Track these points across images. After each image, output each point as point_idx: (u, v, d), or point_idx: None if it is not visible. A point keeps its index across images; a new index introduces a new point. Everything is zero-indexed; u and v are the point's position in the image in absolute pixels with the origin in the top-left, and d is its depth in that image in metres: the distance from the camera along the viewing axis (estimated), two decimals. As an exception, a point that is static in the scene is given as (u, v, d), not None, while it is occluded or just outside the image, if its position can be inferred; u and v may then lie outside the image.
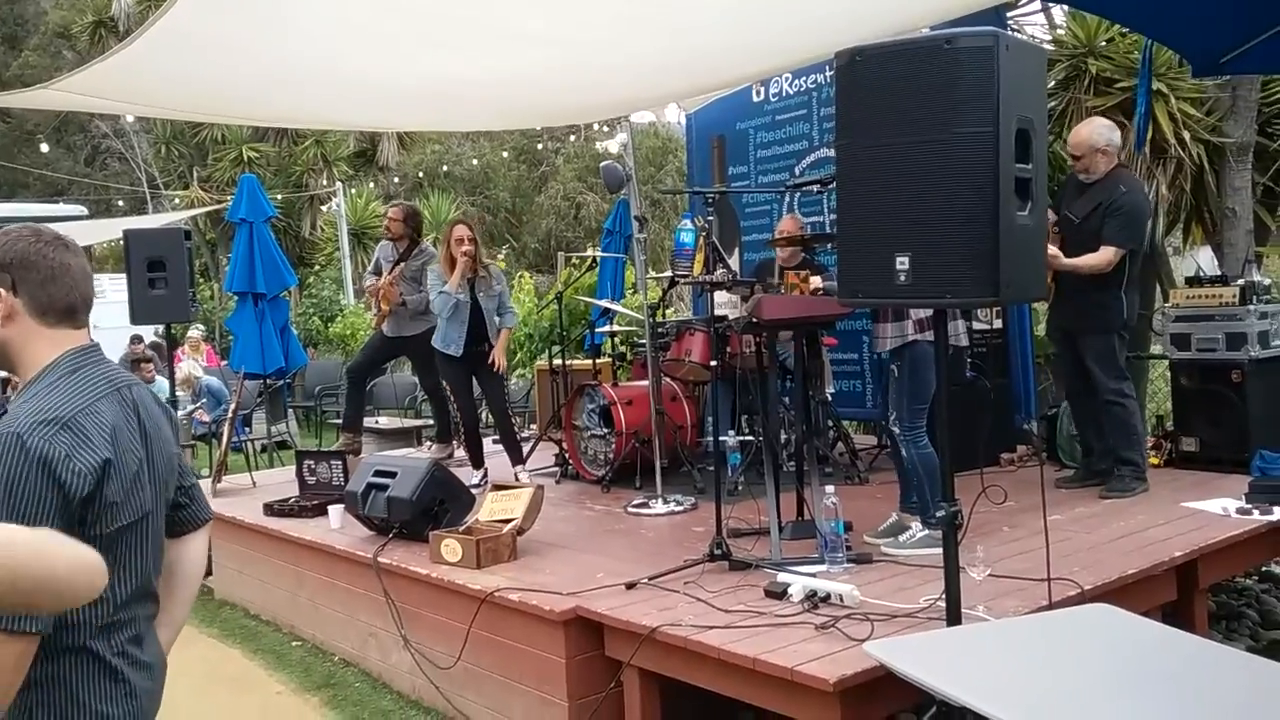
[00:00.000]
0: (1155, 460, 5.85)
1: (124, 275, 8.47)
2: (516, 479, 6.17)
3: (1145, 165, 6.48)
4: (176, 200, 18.99)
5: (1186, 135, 6.40)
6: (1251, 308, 5.60)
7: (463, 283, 6.22)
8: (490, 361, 6.37)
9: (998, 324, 6.26)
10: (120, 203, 23.29)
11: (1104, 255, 5.00)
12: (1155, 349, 7.16)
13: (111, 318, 14.31)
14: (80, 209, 19.07)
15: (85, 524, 1.88)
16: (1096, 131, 5.15)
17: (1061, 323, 5.44)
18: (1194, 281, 6.05)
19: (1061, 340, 5.49)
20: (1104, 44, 6.79)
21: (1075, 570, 3.81)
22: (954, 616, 3.03)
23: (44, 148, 25.02)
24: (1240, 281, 5.79)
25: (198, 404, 11.05)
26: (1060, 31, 7.42)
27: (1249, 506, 4.64)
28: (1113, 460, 5.27)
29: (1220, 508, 4.71)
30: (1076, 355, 5.33)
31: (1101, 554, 4.13)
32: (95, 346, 2.03)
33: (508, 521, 4.73)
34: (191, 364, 11.97)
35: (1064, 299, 5.30)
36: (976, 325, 5.93)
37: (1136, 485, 5.17)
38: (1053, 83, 6.84)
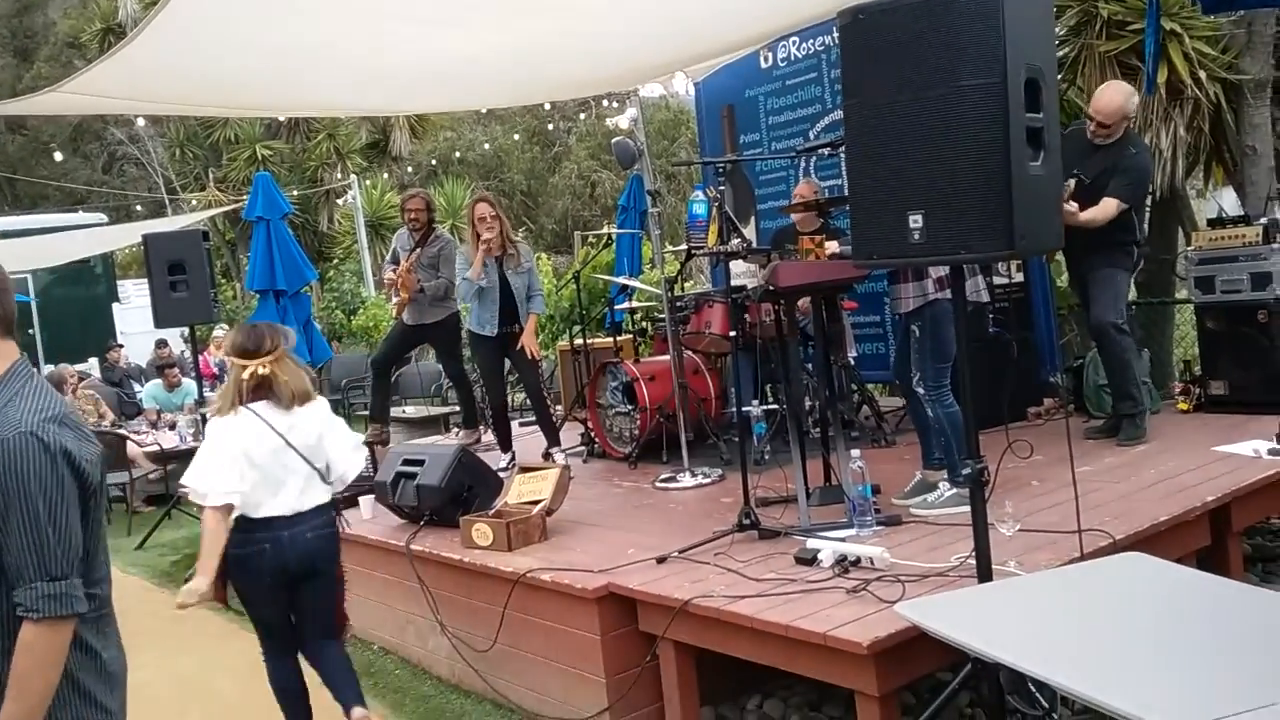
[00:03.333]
0: (1184, 405, 5.80)
1: (146, 280, 8.56)
2: (552, 459, 6.19)
3: (1161, 107, 6.38)
4: (194, 202, 19.10)
5: (1203, 74, 6.29)
6: (1276, 246, 5.51)
7: (487, 263, 6.20)
8: (521, 346, 6.37)
9: (1019, 277, 6.20)
10: (139, 208, 23.45)
11: (1105, 208, 5.02)
12: (1180, 294, 7.08)
13: (137, 323, 14.43)
14: (101, 217, 19.22)
15: (90, 513, 2.00)
16: (1129, 100, 5.14)
17: (1078, 270, 5.45)
18: (1216, 223, 5.96)
19: (1081, 291, 5.45)
20: (1114, -14, 6.67)
21: (1106, 520, 3.79)
22: (985, 573, 3.02)
23: (58, 157, 25.20)
24: (1263, 220, 5.71)
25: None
26: (1069, -24, 7.29)
27: (1280, 447, 4.59)
28: (1117, 400, 5.30)
29: (1251, 450, 4.65)
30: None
31: (1132, 503, 4.10)
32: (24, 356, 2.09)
33: (536, 503, 4.75)
34: None
35: (1077, 250, 5.28)
36: (996, 279, 5.87)
37: (1142, 422, 5.20)
38: (1063, 29, 6.73)
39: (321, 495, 3.75)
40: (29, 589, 1.89)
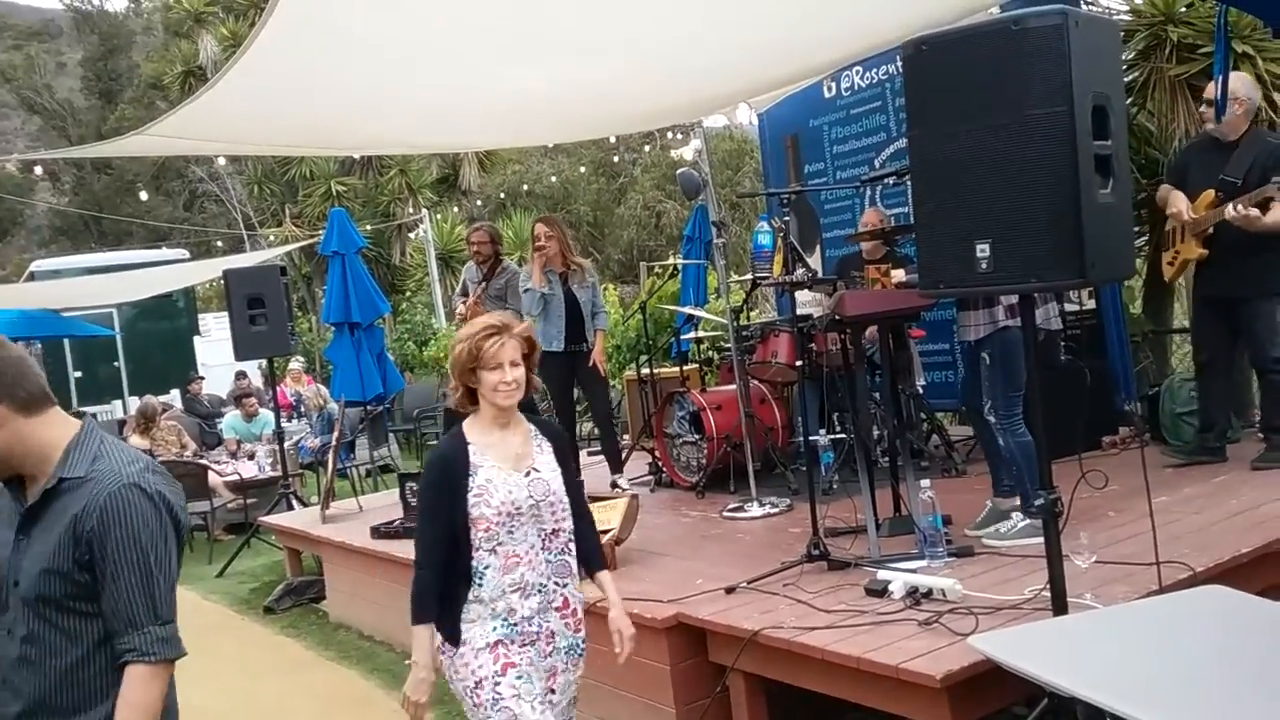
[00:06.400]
0: (1266, 434, 5.63)
1: (226, 313, 8.83)
2: (617, 487, 6.22)
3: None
4: (271, 237, 19.63)
5: (1277, 98, 6.16)
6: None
7: (546, 277, 6.30)
8: (591, 363, 6.43)
9: (1090, 304, 6.10)
10: (219, 243, 24.17)
11: None
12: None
13: (218, 355, 14.83)
14: (183, 253, 19.83)
15: (179, 554, 2.11)
16: (1243, 84, 5.00)
17: (1213, 291, 5.18)
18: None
19: (1211, 310, 5.23)
20: (1183, 10, 6.58)
21: (1185, 552, 3.70)
22: (1060, 606, 2.98)
23: (143, 195, 26.11)
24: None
25: (304, 432, 11.41)
26: (1138, 0, 7.21)
27: (1371, 477, 4.44)
28: (1263, 429, 5.13)
29: (1341, 479, 4.52)
30: (1230, 325, 5.12)
31: (1213, 534, 4.01)
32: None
33: (605, 532, 4.77)
34: (319, 387, 12.43)
35: (1219, 264, 5.04)
36: (1068, 306, 5.79)
37: None
38: (1132, 53, 6.65)
39: None
40: (143, 633, 1.95)
